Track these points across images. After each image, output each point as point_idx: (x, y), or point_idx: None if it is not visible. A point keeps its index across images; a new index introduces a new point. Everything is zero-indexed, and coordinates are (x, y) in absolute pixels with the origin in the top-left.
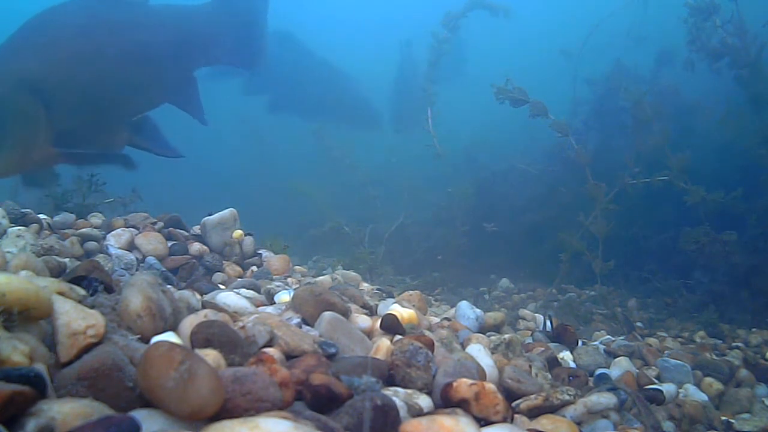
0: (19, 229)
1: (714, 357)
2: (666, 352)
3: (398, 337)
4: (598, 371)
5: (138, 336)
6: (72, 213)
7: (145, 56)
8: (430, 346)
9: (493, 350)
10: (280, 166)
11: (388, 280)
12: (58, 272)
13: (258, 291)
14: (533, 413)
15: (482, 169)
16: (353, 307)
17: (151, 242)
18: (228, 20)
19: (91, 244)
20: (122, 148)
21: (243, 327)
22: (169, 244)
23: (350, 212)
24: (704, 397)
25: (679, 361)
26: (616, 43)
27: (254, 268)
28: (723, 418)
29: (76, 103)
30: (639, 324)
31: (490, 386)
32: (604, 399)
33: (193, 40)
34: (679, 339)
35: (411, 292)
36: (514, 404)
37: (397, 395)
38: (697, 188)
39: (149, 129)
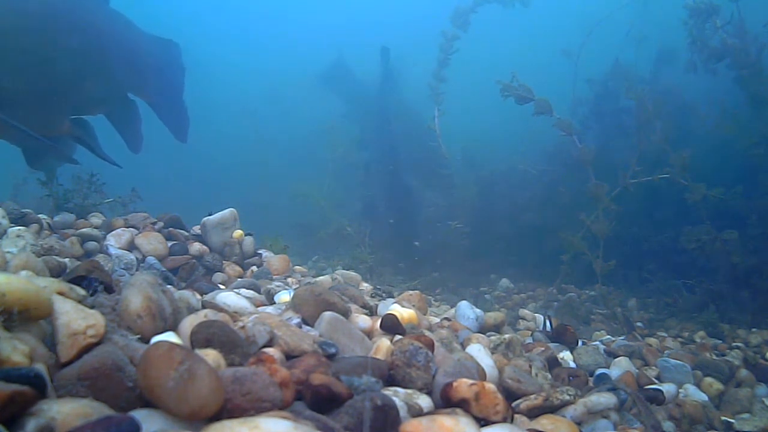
0: (19, 229)
1: (714, 357)
2: (666, 352)
3: (398, 337)
4: (598, 371)
5: (138, 336)
6: (72, 213)
7: (87, 50)
8: (430, 346)
9: (493, 350)
10: (281, 165)
11: (388, 280)
12: (58, 272)
13: (258, 291)
14: (533, 413)
15: (482, 169)
16: (353, 307)
17: (151, 242)
18: (156, 61)
19: (91, 244)
20: (63, 137)
21: (243, 327)
22: (169, 244)
23: (350, 212)
24: (704, 397)
25: (679, 361)
26: (617, 44)
27: (254, 268)
28: (723, 418)
29: (19, 69)
30: (639, 324)
31: (490, 386)
32: (604, 399)
33: (131, 59)
34: (679, 339)
35: (411, 292)
36: (514, 404)
37: (397, 395)
38: (698, 185)
39: (90, 132)
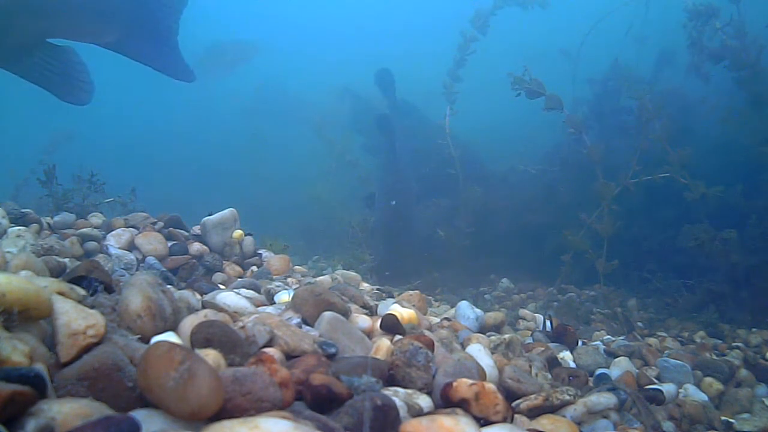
0: (19, 229)
1: (714, 357)
2: (666, 352)
3: (398, 337)
4: (598, 371)
5: (138, 336)
6: (72, 213)
7: None
8: (430, 346)
9: (493, 350)
10: (281, 164)
11: (389, 281)
12: (58, 272)
13: (258, 291)
14: (533, 413)
15: (484, 169)
16: (353, 307)
17: (151, 242)
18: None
19: (91, 244)
20: None
21: (243, 327)
22: (169, 244)
23: (351, 211)
24: (704, 397)
25: (679, 361)
26: (617, 44)
27: (254, 268)
28: (723, 418)
29: None
30: (639, 324)
31: (490, 386)
32: (604, 399)
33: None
34: (679, 339)
35: (411, 292)
36: (514, 404)
37: (397, 395)
38: (698, 183)
39: None
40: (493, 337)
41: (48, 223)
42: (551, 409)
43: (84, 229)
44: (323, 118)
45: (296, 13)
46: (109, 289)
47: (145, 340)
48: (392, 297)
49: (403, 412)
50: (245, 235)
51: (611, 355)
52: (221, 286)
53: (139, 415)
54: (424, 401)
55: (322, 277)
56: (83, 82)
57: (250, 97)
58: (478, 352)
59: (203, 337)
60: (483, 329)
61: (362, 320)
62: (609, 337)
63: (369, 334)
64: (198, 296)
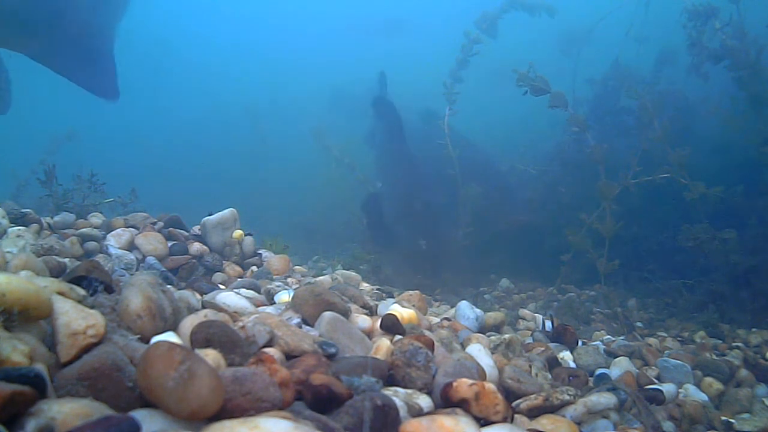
0: (19, 229)
1: (714, 357)
2: (666, 352)
3: (398, 337)
4: (598, 371)
5: (138, 336)
6: (72, 213)
7: None
8: (430, 346)
9: (493, 350)
10: (281, 164)
11: (390, 280)
12: (58, 272)
13: (258, 291)
14: (533, 413)
15: (484, 169)
16: (353, 307)
17: (151, 242)
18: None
19: (91, 244)
20: None
21: (243, 327)
22: (169, 244)
23: (349, 211)
24: (704, 397)
25: (679, 361)
26: (617, 44)
27: (254, 268)
28: (723, 418)
29: None
30: (639, 324)
31: (490, 386)
32: (604, 399)
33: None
34: (679, 339)
35: (411, 292)
36: (514, 404)
37: (397, 395)
38: (698, 184)
39: None
40: (493, 337)
41: (48, 223)
42: (551, 409)
43: (84, 229)
44: (323, 118)
45: (296, 13)
46: (109, 289)
47: (145, 340)
48: (392, 297)
49: (403, 412)
50: (245, 235)
51: (611, 355)
52: (221, 286)
53: (139, 415)
54: (424, 401)
55: (322, 277)
56: (3, 90)
57: (250, 98)
58: (478, 352)
59: (203, 337)
60: (483, 329)
61: (362, 320)
62: (609, 337)
63: (369, 334)
64: (198, 296)
